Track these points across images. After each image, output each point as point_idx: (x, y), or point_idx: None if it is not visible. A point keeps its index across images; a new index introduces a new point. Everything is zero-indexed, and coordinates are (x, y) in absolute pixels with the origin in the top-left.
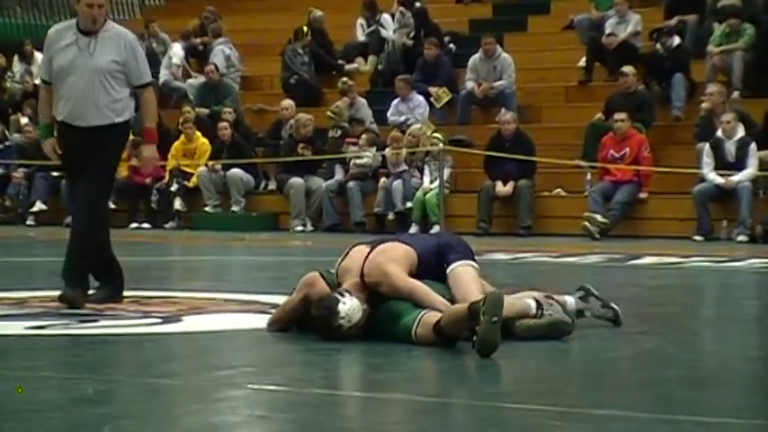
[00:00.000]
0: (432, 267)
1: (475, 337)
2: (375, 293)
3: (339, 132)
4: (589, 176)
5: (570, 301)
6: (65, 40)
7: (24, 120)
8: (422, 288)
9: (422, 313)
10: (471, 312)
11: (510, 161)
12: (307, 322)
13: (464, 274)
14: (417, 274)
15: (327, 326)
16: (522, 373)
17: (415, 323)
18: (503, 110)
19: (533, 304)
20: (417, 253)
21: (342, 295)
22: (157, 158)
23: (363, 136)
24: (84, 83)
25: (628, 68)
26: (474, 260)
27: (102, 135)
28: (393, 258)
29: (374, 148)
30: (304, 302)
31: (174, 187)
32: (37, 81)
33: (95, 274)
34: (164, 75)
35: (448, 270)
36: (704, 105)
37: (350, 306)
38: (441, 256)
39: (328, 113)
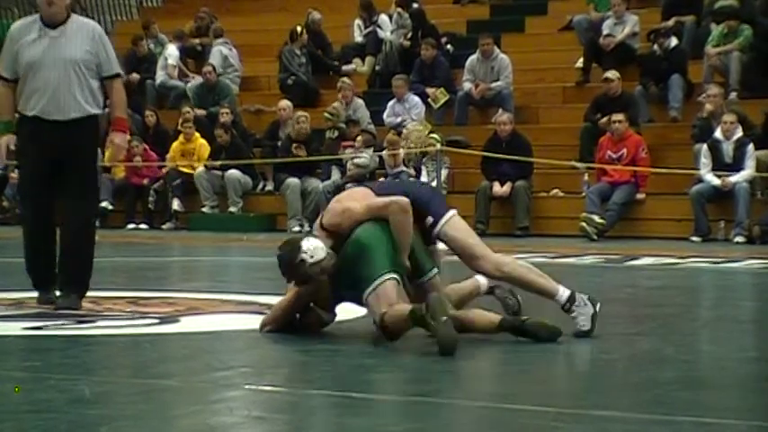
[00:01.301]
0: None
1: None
2: (341, 243)
3: (336, 133)
4: (586, 177)
5: (483, 280)
6: (31, 34)
7: None
8: (376, 200)
9: (379, 279)
10: (414, 320)
11: (507, 162)
12: (302, 321)
13: (457, 230)
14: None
15: (290, 262)
16: (520, 374)
17: (371, 286)
18: (500, 111)
19: (483, 280)
20: (377, 193)
21: (305, 237)
22: (126, 148)
23: (359, 137)
24: (59, 75)
25: (611, 74)
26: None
27: (79, 127)
28: (350, 198)
29: (371, 149)
30: (297, 300)
31: (172, 186)
32: None
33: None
34: (160, 75)
35: (438, 228)
36: (707, 107)
37: (312, 243)
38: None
39: (325, 114)
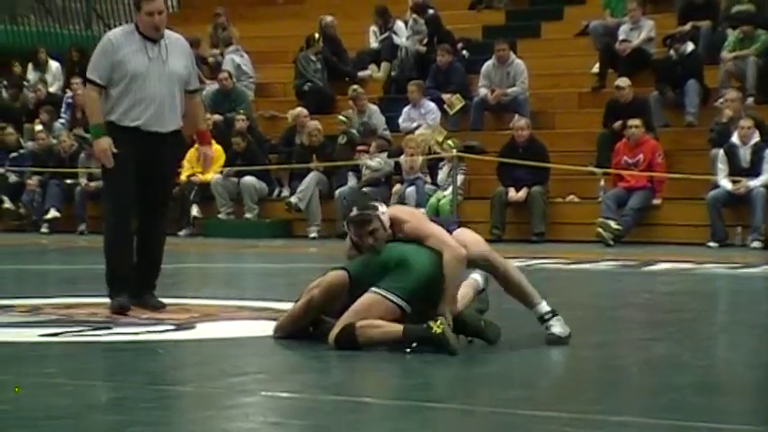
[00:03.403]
0: None
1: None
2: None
3: (345, 139)
4: (602, 182)
5: (479, 279)
6: (131, 45)
7: (39, 127)
8: (445, 235)
9: (381, 291)
10: (433, 338)
11: (523, 167)
12: (314, 332)
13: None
14: None
15: (362, 226)
16: (534, 380)
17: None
18: (516, 116)
19: (480, 279)
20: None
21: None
22: (215, 160)
23: (374, 143)
24: (164, 89)
25: (622, 81)
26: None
27: (173, 140)
28: (413, 212)
29: (384, 154)
30: (308, 307)
31: (191, 195)
32: (52, 89)
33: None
34: None
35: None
36: (727, 112)
37: (386, 213)
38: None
39: (339, 118)
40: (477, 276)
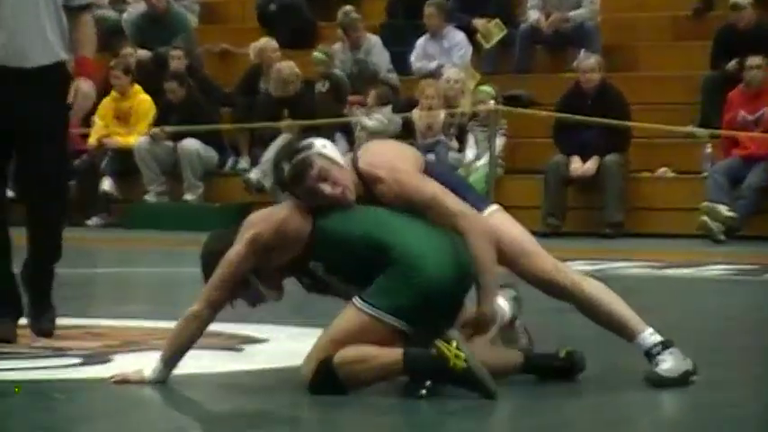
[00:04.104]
0: None
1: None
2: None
3: (327, 85)
4: (709, 150)
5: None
6: None
7: None
8: (448, 199)
9: (373, 311)
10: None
11: (592, 128)
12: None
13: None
14: None
15: (303, 177)
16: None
17: (363, 304)
18: (581, 52)
19: (506, 305)
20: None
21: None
22: (94, 98)
23: (372, 92)
24: (22, 4)
25: None
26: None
27: (47, 80)
28: (403, 158)
29: (388, 108)
30: (238, 267)
31: (102, 164)
32: None
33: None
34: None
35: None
36: None
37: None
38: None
39: (314, 55)
40: (499, 303)
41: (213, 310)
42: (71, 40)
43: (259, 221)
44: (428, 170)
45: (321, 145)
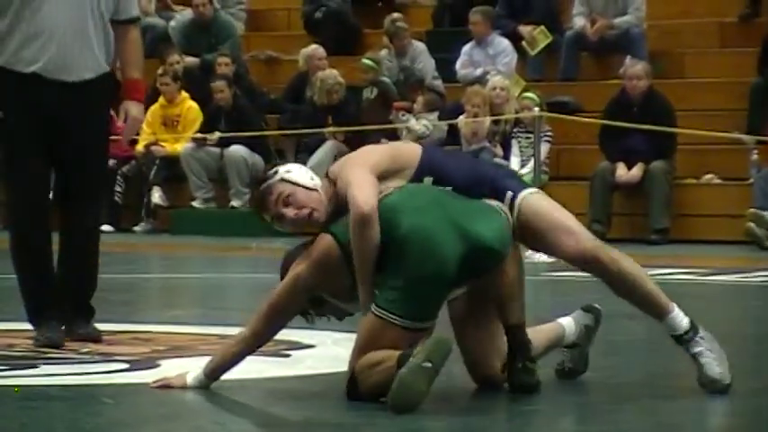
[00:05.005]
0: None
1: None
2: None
3: (375, 92)
4: (755, 156)
5: (570, 326)
6: None
7: None
8: (358, 187)
9: (388, 315)
10: (399, 363)
11: (638, 134)
12: (317, 309)
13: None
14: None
15: (265, 203)
16: None
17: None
18: (628, 59)
19: (571, 325)
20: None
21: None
22: (143, 121)
23: (419, 98)
24: (70, 14)
25: None
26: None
27: (93, 92)
28: (359, 155)
29: (435, 115)
30: (295, 287)
31: (152, 173)
32: None
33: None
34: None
35: (517, 201)
36: None
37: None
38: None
39: (363, 62)
40: (567, 321)
41: (257, 339)
42: (118, 54)
43: (301, 261)
44: (435, 159)
45: (285, 170)
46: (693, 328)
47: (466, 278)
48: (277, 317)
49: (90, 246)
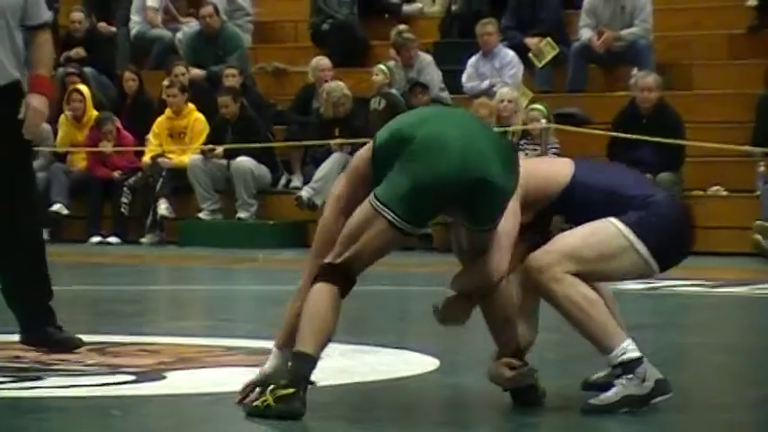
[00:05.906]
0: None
1: None
2: None
3: (383, 103)
4: (762, 168)
5: None
6: None
7: None
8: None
9: None
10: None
11: (647, 146)
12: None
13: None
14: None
15: None
16: None
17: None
18: (635, 70)
19: None
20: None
21: None
22: (46, 115)
23: None
24: None
25: None
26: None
27: (4, 100)
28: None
29: None
30: (336, 207)
31: (158, 184)
32: None
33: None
34: (136, 23)
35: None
36: None
37: None
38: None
39: (377, 69)
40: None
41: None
42: (29, 58)
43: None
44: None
45: None
46: (630, 367)
47: (462, 202)
48: (326, 249)
49: (30, 251)
